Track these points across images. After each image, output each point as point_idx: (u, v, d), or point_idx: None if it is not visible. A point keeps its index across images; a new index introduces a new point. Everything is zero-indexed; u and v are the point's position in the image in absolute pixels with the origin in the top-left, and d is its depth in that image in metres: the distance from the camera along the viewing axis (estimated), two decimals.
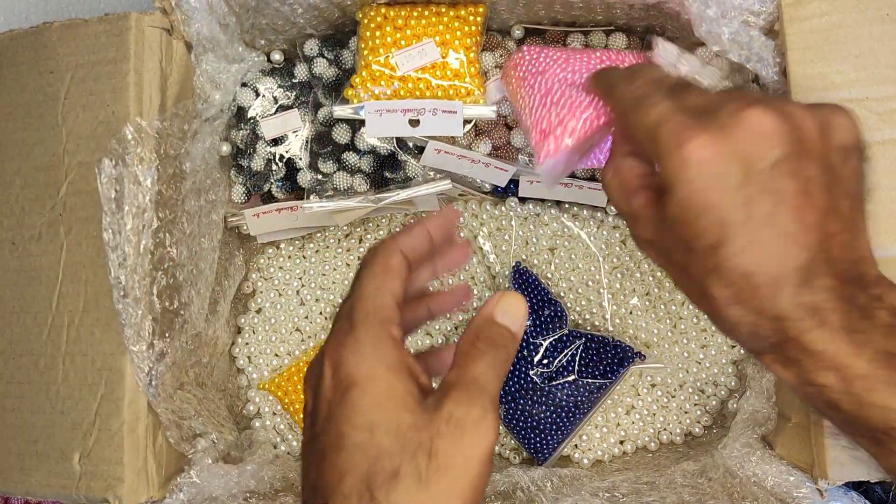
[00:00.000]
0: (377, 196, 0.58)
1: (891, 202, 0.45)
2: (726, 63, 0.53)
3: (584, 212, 0.62)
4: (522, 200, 0.63)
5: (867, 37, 0.47)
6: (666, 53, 0.53)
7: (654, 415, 0.61)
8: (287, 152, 0.59)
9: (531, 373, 0.58)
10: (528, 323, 0.58)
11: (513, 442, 0.62)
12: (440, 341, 0.63)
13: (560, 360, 0.58)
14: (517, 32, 0.58)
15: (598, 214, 0.62)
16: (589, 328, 0.62)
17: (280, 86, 0.59)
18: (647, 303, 0.62)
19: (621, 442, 0.61)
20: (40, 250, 0.52)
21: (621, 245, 0.63)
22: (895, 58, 0.46)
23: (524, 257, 0.63)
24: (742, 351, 0.61)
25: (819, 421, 0.45)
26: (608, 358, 0.58)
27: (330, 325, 0.64)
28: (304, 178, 0.59)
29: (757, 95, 0.35)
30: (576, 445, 0.61)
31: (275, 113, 0.59)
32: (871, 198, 0.45)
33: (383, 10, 0.55)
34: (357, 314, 0.35)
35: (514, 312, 0.36)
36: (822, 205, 0.33)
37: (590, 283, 0.62)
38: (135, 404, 0.49)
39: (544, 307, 0.59)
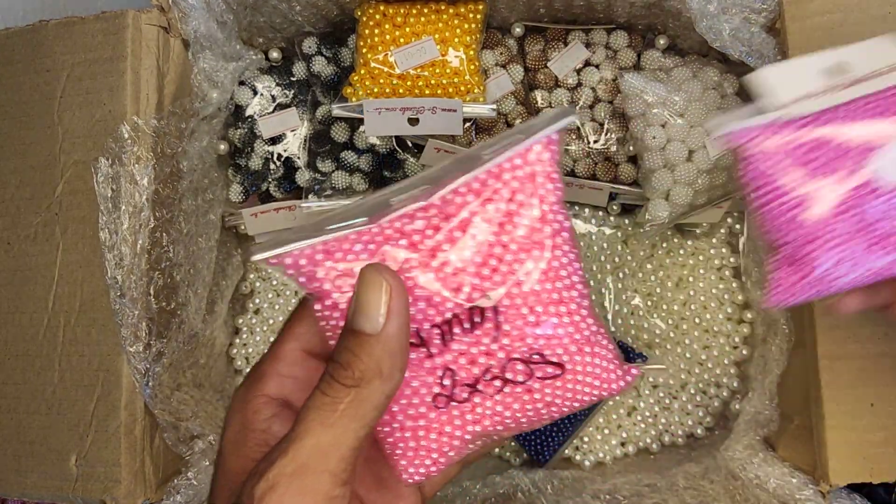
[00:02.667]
0: None
1: None
2: (699, 85, 0.53)
3: (586, 211, 0.62)
4: None
5: (869, 35, 0.46)
6: (631, 86, 0.53)
7: (656, 416, 0.60)
8: (285, 151, 0.59)
9: None
10: None
11: (513, 443, 0.61)
12: None
13: None
14: (517, 30, 0.58)
15: (600, 214, 0.62)
16: None
17: (278, 84, 0.58)
18: (650, 303, 0.61)
19: (623, 443, 0.61)
20: (36, 250, 0.51)
21: (623, 245, 0.62)
22: None
23: None
24: (744, 352, 0.60)
25: (821, 423, 0.45)
26: None
27: None
28: (303, 177, 0.58)
29: None
30: (577, 447, 0.61)
31: (273, 111, 0.58)
32: None
33: (382, 8, 0.54)
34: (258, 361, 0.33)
35: (370, 303, 0.28)
36: None
37: (591, 283, 0.61)
38: (132, 405, 0.49)
39: None
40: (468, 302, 0.32)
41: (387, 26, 0.54)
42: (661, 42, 0.57)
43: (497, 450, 0.62)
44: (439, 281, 0.32)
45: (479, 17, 0.55)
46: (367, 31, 0.54)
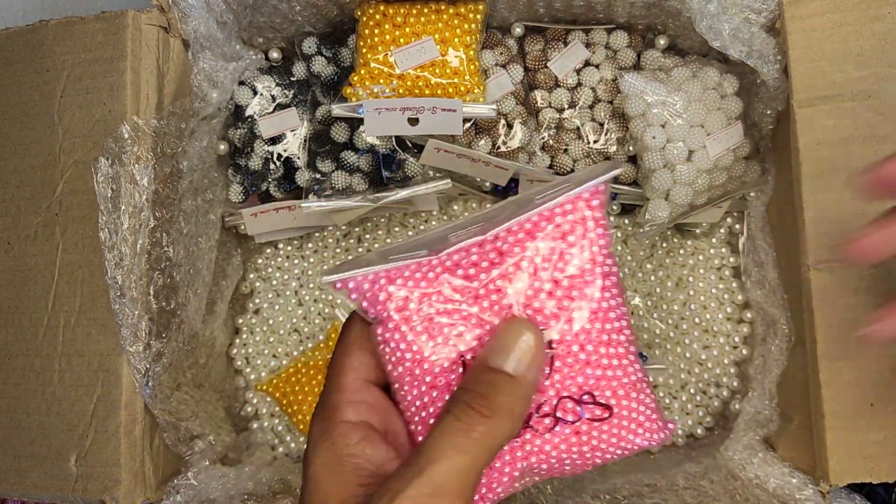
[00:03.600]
0: (376, 195, 0.57)
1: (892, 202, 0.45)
2: (698, 85, 0.53)
3: None
4: None
5: (869, 35, 0.46)
6: (631, 86, 0.53)
7: None
8: (285, 151, 0.58)
9: None
10: None
11: None
12: None
13: None
14: (517, 30, 0.58)
15: None
16: None
17: (278, 84, 0.58)
18: (650, 303, 0.61)
19: None
20: (36, 250, 0.51)
21: (622, 245, 0.62)
22: None
23: None
24: (744, 351, 0.60)
25: (821, 422, 0.45)
26: None
27: (328, 327, 0.64)
28: (303, 177, 0.58)
29: None
30: None
31: (273, 111, 0.58)
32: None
33: (382, 8, 0.54)
34: (320, 399, 0.33)
35: (514, 347, 0.30)
36: None
37: None
38: (131, 405, 0.49)
39: None
40: None
41: (387, 26, 0.54)
42: (661, 42, 0.57)
43: None
44: (495, 315, 0.33)
45: (478, 17, 0.55)
46: (367, 31, 0.54)
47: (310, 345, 0.64)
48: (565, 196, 0.33)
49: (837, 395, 0.45)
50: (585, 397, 0.33)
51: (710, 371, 0.61)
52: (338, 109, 0.55)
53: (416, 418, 0.33)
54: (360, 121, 0.55)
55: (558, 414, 0.33)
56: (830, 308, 0.45)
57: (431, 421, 0.33)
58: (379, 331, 0.33)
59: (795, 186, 0.46)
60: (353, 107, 0.54)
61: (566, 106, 0.58)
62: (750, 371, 0.57)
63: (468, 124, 0.56)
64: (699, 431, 0.60)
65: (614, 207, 0.61)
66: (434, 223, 0.64)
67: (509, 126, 0.57)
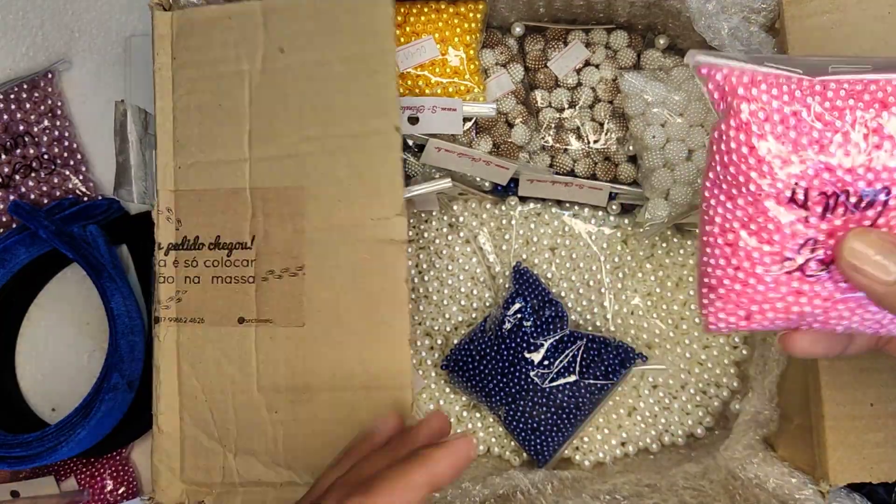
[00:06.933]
0: None
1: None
2: (699, 84, 0.53)
3: (585, 211, 0.62)
4: (523, 199, 0.62)
5: (868, 35, 0.46)
6: (631, 85, 0.53)
7: (656, 416, 0.60)
8: None
9: (532, 374, 0.58)
10: (528, 323, 0.58)
11: (513, 444, 0.61)
12: (440, 342, 0.63)
13: (561, 361, 0.58)
14: (517, 30, 0.58)
15: (600, 214, 0.62)
16: (590, 329, 0.61)
17: None
18: (649, 303, 0.61)
19: (623, 444, 0.61)
20: None
21: (622, 245, 0.62)
22: None
23: (524, 257, 0.62)
24: (744, 351, 0.60)
25: (821, 422, 0.45)
26: (609, 359, 0.57)
27: None
28: None
29: None
30: (576, 447, 0.61)
31: None
32: None
33: None
34: None
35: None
36: None
37: (591, 283, 0.61)
38: None
39: (545, 308, 0.58)
40: (868, 186, 0.31)
41: None
42: (661, 42, 0.57)
43: (497, 450, 0.62)
44: (847, 155, 0.31)
45: (478, 16, 0.55)
46: None
47: None
48: None
49: (837, 395, 0.45)
50: None
51: (709, 371, 0.60)
52: None
53: (718, 219, 0.33)
54: None
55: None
56: None
57: (735, 223, 0.33)
58: (722, 126, 0.33)
59: None
60: None
61: (566, 106, 0.58)
62: (750, 371, 0.57)
63: (469, 123, 0.56)
64: (699, 431, 0.60)
65: (614, 207, 0.61)
66: (434, 223, 0.64)
67: (510, 125, 0.57)
